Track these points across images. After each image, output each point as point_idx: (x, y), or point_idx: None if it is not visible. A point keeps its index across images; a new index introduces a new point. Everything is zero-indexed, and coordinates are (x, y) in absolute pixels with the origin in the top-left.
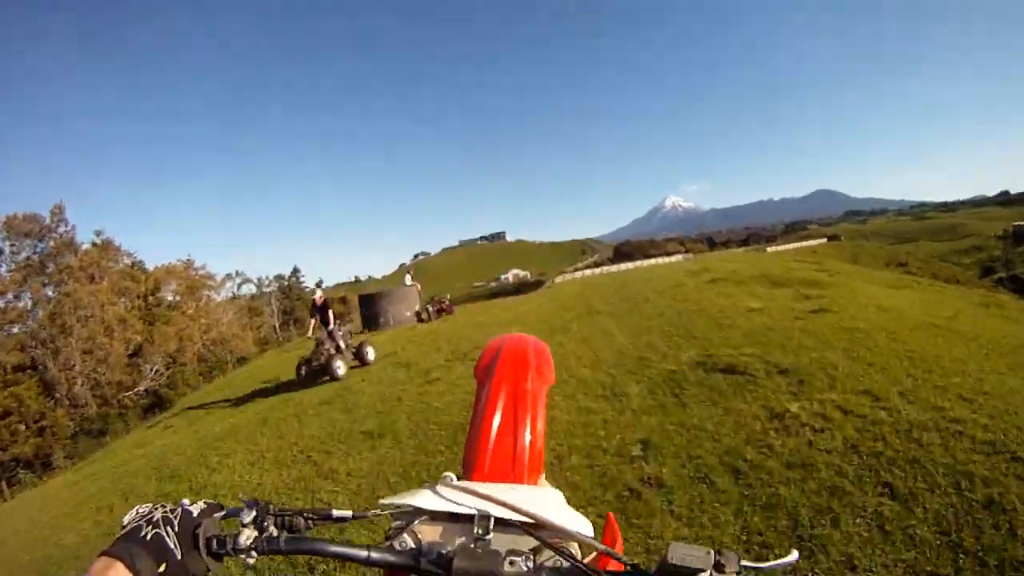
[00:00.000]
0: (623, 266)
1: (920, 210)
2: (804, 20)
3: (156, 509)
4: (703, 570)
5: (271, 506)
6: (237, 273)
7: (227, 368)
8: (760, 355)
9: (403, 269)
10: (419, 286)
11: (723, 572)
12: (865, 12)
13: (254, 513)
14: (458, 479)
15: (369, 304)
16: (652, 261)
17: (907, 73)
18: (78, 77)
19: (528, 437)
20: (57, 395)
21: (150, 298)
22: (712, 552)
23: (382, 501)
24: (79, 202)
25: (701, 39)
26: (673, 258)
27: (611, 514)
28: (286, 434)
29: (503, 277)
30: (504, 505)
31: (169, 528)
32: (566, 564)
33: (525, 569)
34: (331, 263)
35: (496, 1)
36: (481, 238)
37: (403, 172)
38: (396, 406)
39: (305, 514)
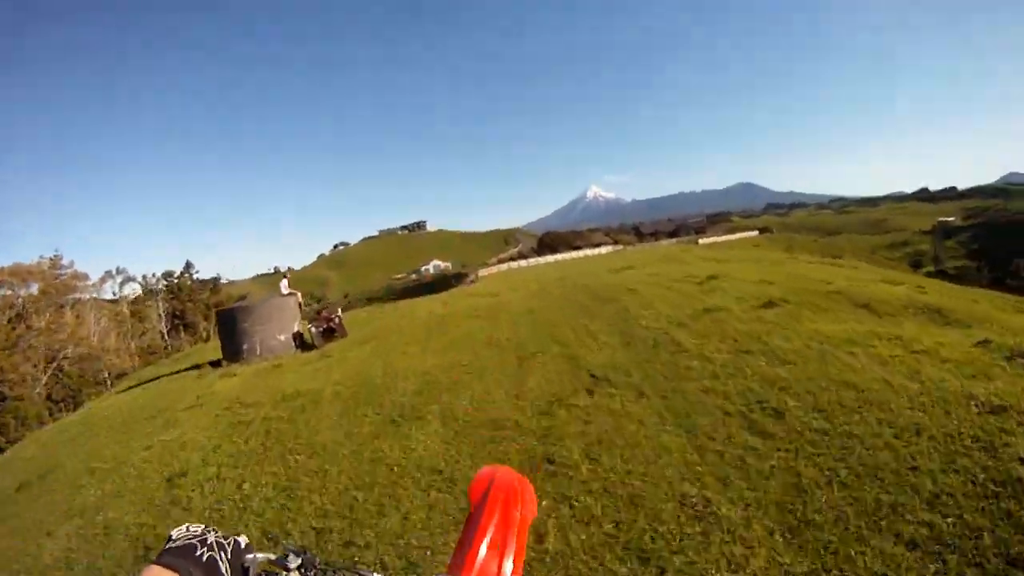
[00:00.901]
0: (557, 258)
1: (841, 204)
2: (732, 16)
3: (209, 532)
4: None
5: (317, 559)
6: (118, 271)
7: (95, 392)
8: None
9: (322, 261)
10: (300, 296)
11: None
12: (788, 11)
13: (300, 561)
14: None
15: (228, 324)
16: (582, 253)
17: (830, 72)
18: None
19: (510, 564)
20: None
21: None
22: None
23: None
24: None
25: (629, 30)
26: (601, 250)
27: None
28: None
29: (423, 269)
30: None
31: (223, 554)
32: None
33: None
34: (245, 254)
35: None
36: (402, 227)
37: (321, 158)
38: None
39: (351, 571)
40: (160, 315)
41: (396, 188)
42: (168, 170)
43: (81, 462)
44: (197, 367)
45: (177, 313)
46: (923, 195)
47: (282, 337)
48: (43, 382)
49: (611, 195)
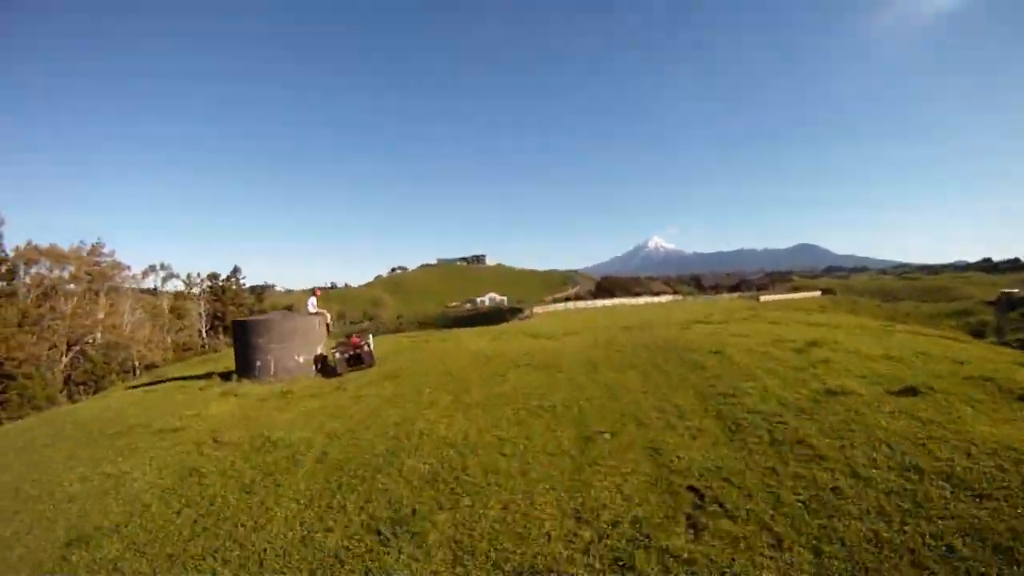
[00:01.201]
0: (615, 302)
1: (902, 270)
2: (802, 75)
3: None
4: None
5: None
6: (162, 266)
7: (119, 380)
8: None
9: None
10: (328, 316)
11: None
12: (864, 74)
13: None
14: None
15: (242, 337)
16: (641, 300)
17: (900, 139)
18: None
19: None
20: None
21: None
22: None
23: None
24: None
25: (702, 87)
26: (661, 298)
27: None
28: None
29: (479, 300)
30: None
31: None
32: None
33: None
34: (302, 267)
35: (499, 27)
36: (461, 259)
37: (388, 182)
38: None
39: None
40: (200, 314)
41: (458, 219)
42: (228, 179)
43: (18, 476)
44: (209, 376)
45: (218, 314)
46: (986, 265)
47: (300, 359)
48: (62, 364)
49: (672, 246)
